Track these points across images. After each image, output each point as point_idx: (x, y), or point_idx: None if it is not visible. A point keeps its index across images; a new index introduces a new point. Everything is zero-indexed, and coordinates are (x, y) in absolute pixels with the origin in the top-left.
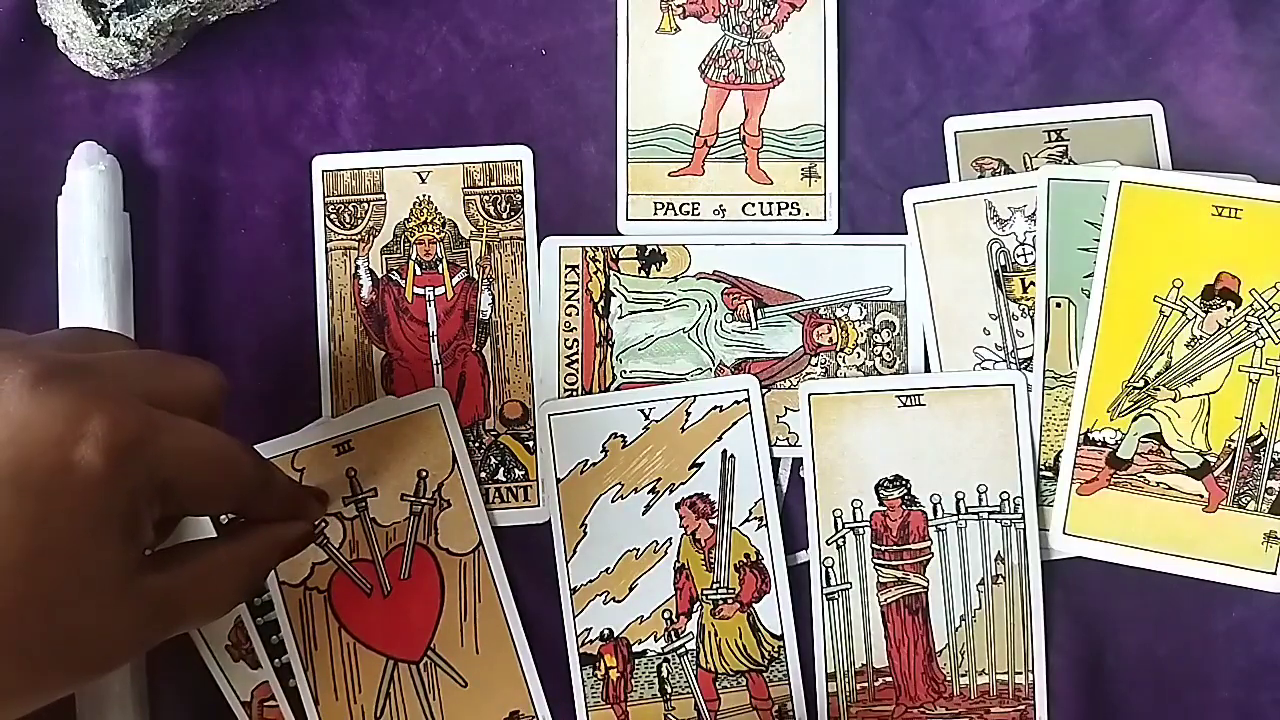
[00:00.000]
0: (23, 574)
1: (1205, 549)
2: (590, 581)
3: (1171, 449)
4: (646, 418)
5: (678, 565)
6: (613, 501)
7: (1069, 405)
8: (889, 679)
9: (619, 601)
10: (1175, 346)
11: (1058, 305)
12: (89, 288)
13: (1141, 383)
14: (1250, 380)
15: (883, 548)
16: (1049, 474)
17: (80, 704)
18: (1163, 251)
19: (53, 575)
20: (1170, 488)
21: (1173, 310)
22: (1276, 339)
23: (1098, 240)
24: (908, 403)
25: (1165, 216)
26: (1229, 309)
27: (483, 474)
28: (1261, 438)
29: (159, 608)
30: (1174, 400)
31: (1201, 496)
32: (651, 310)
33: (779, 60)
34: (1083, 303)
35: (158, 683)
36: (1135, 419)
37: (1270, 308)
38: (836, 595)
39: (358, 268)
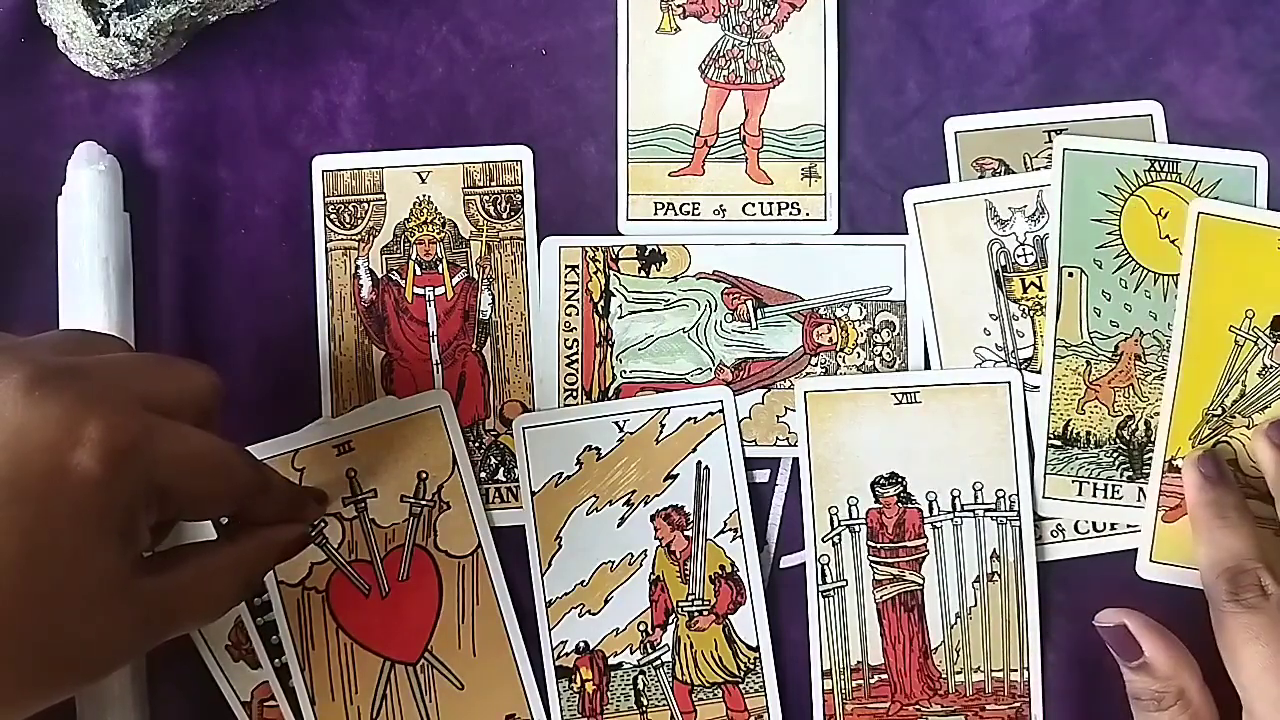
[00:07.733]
0: (19, 579)
1: None
2: (565, 594)
3: (1246, 474)
4: (621, 430)
5: (653, 577)
6: (587, 514)
7: (1079, 375)
8: (884, 676)
9: (594, 614)
10: (1249, 375)
11: (1070, 275)
12: (89, 288)
13: (1219, 410)
14: None
15: (878, 545)
16: (1058, 442)
17: (80, 704)
18: (1236, 282)
19: (49, 580)
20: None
21: (1245, 339)
22: None
23: (1110, 211)
24: (903, 400)
25: (1237, 248)
26: None
27: (482, 474)
28: None
29: (156, 611)
30: (1248, 427)
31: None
32: (651, 310)
33: (779, 60)
34: (1094, 272)
35: (158, 683)
36: (1214, 446)
37: None
38: (832, 592)
39: (358, 268)
